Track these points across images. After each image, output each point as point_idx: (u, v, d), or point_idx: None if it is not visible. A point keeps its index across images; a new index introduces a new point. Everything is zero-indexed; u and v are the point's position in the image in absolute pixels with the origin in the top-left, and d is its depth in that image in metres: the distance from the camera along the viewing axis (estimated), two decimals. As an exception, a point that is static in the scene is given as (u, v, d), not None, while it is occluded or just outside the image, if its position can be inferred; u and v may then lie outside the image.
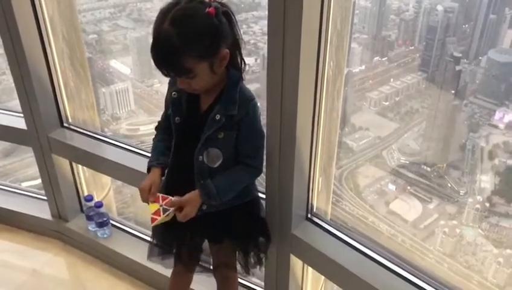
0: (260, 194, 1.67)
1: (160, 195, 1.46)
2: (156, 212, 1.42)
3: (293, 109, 1.45)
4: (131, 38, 5.06)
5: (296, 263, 1.82)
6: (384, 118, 5.25)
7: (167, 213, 1.42)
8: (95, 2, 4.96)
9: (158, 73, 1.35)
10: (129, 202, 3.61)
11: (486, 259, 4.43)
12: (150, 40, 1.31)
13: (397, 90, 5.19)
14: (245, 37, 1.43)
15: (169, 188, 1.52)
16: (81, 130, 2.30)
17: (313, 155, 1.63)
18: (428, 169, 4.95)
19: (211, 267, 1.76)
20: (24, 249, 2.52)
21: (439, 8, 4.74)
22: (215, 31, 1.31)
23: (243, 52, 1.44)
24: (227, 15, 1.34)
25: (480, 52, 4.52)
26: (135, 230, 2.44)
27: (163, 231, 1.61)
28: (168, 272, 1.80)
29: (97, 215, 2.37)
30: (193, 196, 1.44)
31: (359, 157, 5.20)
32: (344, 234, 1.71)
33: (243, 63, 1.45)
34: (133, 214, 3.39)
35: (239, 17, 1.39)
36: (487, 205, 4.47)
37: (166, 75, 1.38)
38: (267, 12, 1.37)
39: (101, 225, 2.38)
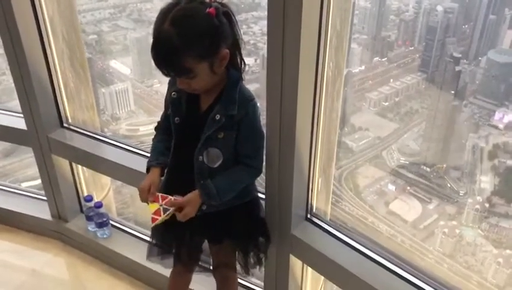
0: (260, 195, 1.68)
1: (160, 194, 1.45)
2: (156, 212, 1.42)
3: (292, 109, 1.45)
4: (131, 38, 5.07)
5: (295, 263, 1.82)
6: (384, 119, 5.25)
7: (167, 213, 1.42)
8: (95, 2, 4.96)
9: (158, 73, 1.36)
10: (129, 202, 3.61)
11: (485, 259, 4.43)
12: (150, 40, 1.31)
13: (397, 90, 5.20)
14: (245, 38, 1.43)
15: (168, 188, 1.52)
16: (81, 131, 2.30)
17: (313, 155, 1.63)
18: (428, 169, 4.95)
19: (210, 267, 1.76)
20: (24, 249, 2.52)
21: (439, 8, 4.74)
22: (216, 31, 1.31)
23: (243, 52, 1.44)
24: (227, 15, 1.34)
25: (480, 52, 4.53)
26: (135, 230, 2.44)
27: (163, 231, 1.61)
28: (167, 272, 1.81)
29: (97, 216, 2.37)
30: (193, 196, 1.44)
31: (359, 157, 5.20)
32: (343, 234, 1.71)
33: (242, 63, 1.45)
34: (133, 214, 3.40)
35: (239, 18, 1.39)
36: (487, 205, 4.47)
37: (166, 75, 1.38)
38: (266, 13, 1.37)
39: (100, 225, 2.38)
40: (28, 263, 2.44)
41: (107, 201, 2.62)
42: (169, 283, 1.83)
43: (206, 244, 1.71)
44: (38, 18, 2.04)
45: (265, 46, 1.43)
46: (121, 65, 5.33)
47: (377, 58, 5.12)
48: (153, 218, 1.42)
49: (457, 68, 4.47)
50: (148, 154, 1.61)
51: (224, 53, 1.34)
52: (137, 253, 2.25)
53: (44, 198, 2.53)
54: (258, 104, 1.47)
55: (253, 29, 4.25)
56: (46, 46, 2.11)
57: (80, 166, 2.43)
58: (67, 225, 2.49)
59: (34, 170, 2.47)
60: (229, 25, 1.35)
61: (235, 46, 1.40)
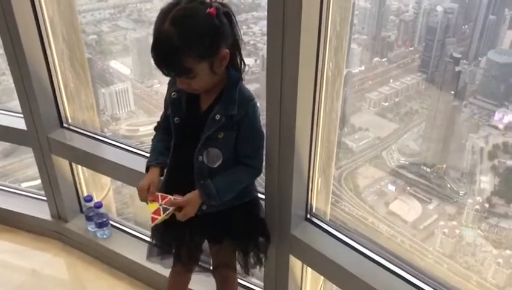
0: (259, 195, 1.68)
1: (160, 194, 1.45)
2: (156, 212, 1.42)
3: (292, 109, 1.45)
4: (131, 38, 5.07)
5: (295, 263, 1.82)
6: (384, 119, 5.25)
7: (167, 212, 1.42)
8: (95, 2, 4.96)
9: (158, 73, 1.36)
10: (128, 203, 3.61)
11: (485, 260, 4.43)
12: (150, 40, 1.31)
13: (397, 90, 5.20)
14: (245, 38, 1.43)
15: (168, 188, 1.52)
16: (81, 131, 2.31)
17: (312, 156, 1.63)
18: (428, 170, 4.95)
19: (210, 267, 1.76)
20: (24, 249, 2.52)
21: (439, 8, 4.75)
22: (216, 32, 1.31)
23: (243, 52, 1.44)
24: (227, 15, 1.34)
25: (479, 53, 4.53)
26: (134, 230, 2.44)
27: (163, 231, 1.61)
28: (167, 272, 1.80)
29: (97, 216, 2.37)
30: (193, 196, 1.44)
31: (359, 157, 5.20)
32: (343, 234, 1.71)
33: (242, 63, 1.45)
34: (133, 214, 3.40)
35: (239, 18, 1.40)
36: (487, 205, 4.47)
37: (166, 75, 1.38)
38: (266, 13, 1.37)
39: (100, 225, 2.38)
40: (28, 263, 2.44)
41: (107, 201, 2.62)
42: (169, 283, 1.83)
43: (206, 244, 1.71)
44: (38, 18, 2.04)
45: (265, 46, 1.43)
46: (121, 65, 5.34)
47: (377, 58, 5.13)
48: (152, 217, 1.42)
49: (457, 68, 4.48)
50: (148, 155, 1.62)
51: (224, 53, 1.34)
52: (137, 253, 2.25)
53: (44, 198, 2.53)
54: (258, 104, 1.47)
55: (253, 29, 4.25)
56: (46, 46, 2.11)
57: (79, 166, 2.43)
58: (67, 225, 2.49)
59: (34, 170, 2.47)
60: (229, 25, 1.35)
61: (235, 46, 1.40)
